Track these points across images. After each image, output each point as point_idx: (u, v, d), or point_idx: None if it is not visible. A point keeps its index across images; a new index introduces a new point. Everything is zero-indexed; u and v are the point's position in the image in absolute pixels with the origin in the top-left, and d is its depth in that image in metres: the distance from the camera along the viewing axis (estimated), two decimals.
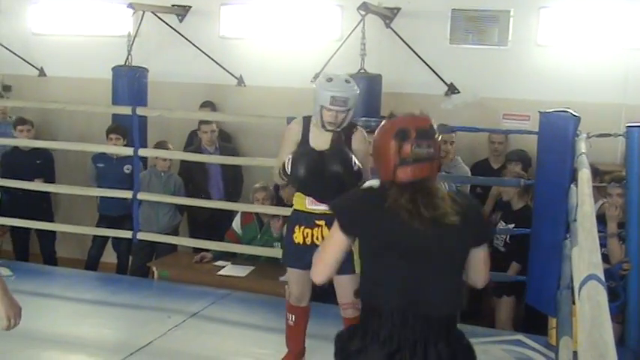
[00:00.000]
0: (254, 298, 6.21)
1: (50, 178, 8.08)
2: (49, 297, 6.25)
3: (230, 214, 7.10)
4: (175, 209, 7.49)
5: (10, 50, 9.13)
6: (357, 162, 4.34)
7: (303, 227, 4.53)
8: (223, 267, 6.69)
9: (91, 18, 9.03)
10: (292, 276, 4.68)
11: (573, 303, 3.94)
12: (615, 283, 5.13)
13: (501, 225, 6.58)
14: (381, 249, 2.89)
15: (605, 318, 1.99)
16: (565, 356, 3.53)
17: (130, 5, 7.96)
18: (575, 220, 3.83)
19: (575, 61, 7.45)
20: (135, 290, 6.45)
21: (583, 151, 4.60)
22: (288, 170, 4.41)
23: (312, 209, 4.50)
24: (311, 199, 4.49)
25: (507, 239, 6.48)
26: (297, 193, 4.60)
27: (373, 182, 3.09)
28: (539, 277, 5.32)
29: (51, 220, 8.14)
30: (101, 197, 7.66)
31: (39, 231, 8.02)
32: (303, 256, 4.30)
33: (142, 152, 7.00)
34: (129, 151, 7.01)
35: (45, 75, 9.26)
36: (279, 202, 6.94)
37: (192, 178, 7.72)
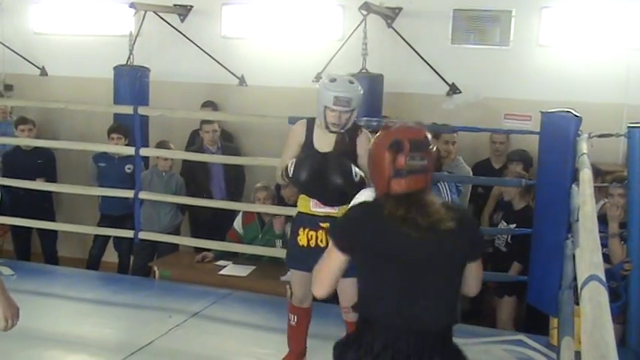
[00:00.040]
0: (255, 298, 6.21)
1: (52, 178, 8.09)
2: (51, 296, 6.25)
3: (232, 214, 7.10)
4: (177, 209, 7.49)
5: (11, 49, 9.14)
6: (358, 171, 4.31)
7: (307, 230, 4.53)
8: (224, 267, 6.69)
9: (93, 17, 9.03)
10: (295, 278, 4.68)
11: (575, 303, 3.95)
12: (616, 283, 5.13)
13: (503, 225, 6.57)
14: (377, 262, 2.88)
15: (606, 318, 1.99)
16: (566, 356, 3.53)
17: (132, 5, 7.96)
18: (576, 221, 3.83)
19: (576, 61, 7.45)
20: (136, 290, 6.45)
21: (584, 151, 4.60)
22: (291, 174, 4.41)
23: (316, 212, 4.49)
24: (315, 201, 4.49)
25: (509, 239, 6.47)
26: (302, 196, 4.59)
27: (367, 194, 3.10)
28: (540, 277, 5.33)
29: (52, 220, 8.15)
30: (102, 197, 7.67)
31: (40, 230, 8.03)
32: (307, 259, 4.30)
33: (143, 152, 6.99)
34: (130, 151, 7.01)
35: (46, 74, 9.27)
36: (281, 201, 6.95)
37: (195, 178, 7.72)
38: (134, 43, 8.08)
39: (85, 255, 8.10)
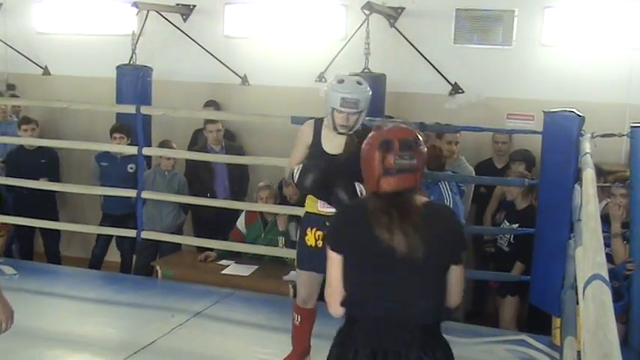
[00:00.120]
0: (257, 298, 6.20)
1: (55, 177, 8.09)
2: (53, 296, 6.25)
3: (235, 213, 7.09)
4: (179, 208, 7.49)
5: (14, 49, 9.15)
6: (362, 189, 4.26)
7: (314, 229, 4.52)
8: (227, 266, 6.69)
9: (96, 17, 9.04)
10: (301, 278, 4.66)
11: (577, 303, 3.94)
12: (619, 283, 5.13)
13: (505, 225, 6.58)
14: (359, 260, 2.94)
15: (609, 318, 1.98)
16: (569, 356, 3.52)
17: (135, 4, 7.96)
18: (579, 220, 3.83)
19: (579, 61, 7.45)
20: (139, 289, 6.45)
21: (587, 150, 4.59)
22: (296, 180, 4.40)
23: (323, 211, 4.48)
24: (323, 202, 4.48)
25: (511, 239, 6.47)
26: (309, 196, 4.58)
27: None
28: (543, 276, 5.33)
29: (56, 220, 8.14)
30: (105, 196, 7.67)
31: (43, 230, 8.03)
32: (314, 259, 4.30)
33: (146, 151, 6.99)
34: (133, 150, 7.01)
35: (49, 74, 9.28)
36: (283, 199, 6.95)
37: (199, 177, 7.73)
38: (137, 42, 8.09)
39: (87, 254, 8.11)
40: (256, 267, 6.64)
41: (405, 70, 7.82)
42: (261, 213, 6.90)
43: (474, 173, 7.08)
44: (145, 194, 6.92)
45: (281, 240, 6.76)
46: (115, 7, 8.79)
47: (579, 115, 5.12)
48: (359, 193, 4.26)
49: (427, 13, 7.83)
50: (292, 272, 6.04)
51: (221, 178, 7.79)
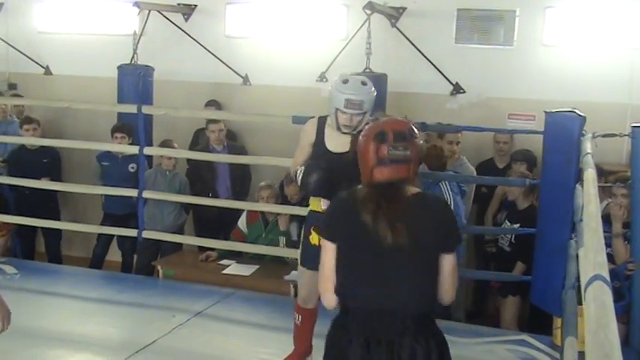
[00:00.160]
0: (258, 297, 6.20)
1: (57, 177, 8.09)
2: (55, 295, 6.25)
3: (237, 213, 7.09)
4: (180, 208, 7.50)
5: (15, 49, 9.16)
6: None
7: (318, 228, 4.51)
8: (228, 266, 6.69)
9: (97, 16, 9.05)
10: (304, 277, 4.65)
11: (578, 303, 3.94)
12: (620, 283, 5.12)
13: (506, 225, 6.57)
14: (350, 249, 3.01)
15: (610, 318, 1.98)
16: (570, 356, 3.52)
17: (136, 4, 7.96)
18: (580, 220, 3.83)
19: (580, 61, 7.44)
20: (140, 289, 6.45)
21: (588, 151, 4.59)
22: (299, 181, 4.39)
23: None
24: (326, 200, 4.47)
25: (512, 239, 6.47)
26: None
27: None
28: (544, 276, 5.32)
29: (57, 219, 8.14)
30: (106, 196, 7.67)
31: (45, 230, 8.03)
32: (317, 258, 4.30)
33: (147, 151, 7.00)
34: (134, 150, 7.01)
35: (51, 73, 9.28)
36: (284, 199, 6.95)
37: (201, 177, 7.73)
38: (138, 42, 8.09)
39: (88, 254, 8.11)
40: (257, 267, 6.64)
41: (407, 70, 7.82)
42: (262, 213, 6.90)
43: (475, 173, 7.08)
44: (146, 194, 6.93)
45: (282, 240, 6.77)
46: (117, 6, 8.79)
47: (580, 115, 5.11)
48: None
49: (428, 13, 7.82)
50: (293, 272, 6.04)
51: (223, 178, 7.79)
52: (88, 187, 7.62)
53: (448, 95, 7.84)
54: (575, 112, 5.18)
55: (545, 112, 5.46)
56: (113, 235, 7.70)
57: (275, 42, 8.37)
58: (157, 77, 8.09)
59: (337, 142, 4.42)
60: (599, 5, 7.36)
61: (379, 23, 7.66)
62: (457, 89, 7.80)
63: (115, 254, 7.95)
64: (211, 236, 7.16)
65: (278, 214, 6.80)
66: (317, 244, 4.48)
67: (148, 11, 8.25)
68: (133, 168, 7.47)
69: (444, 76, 7.78)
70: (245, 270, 6.59)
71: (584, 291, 2.33)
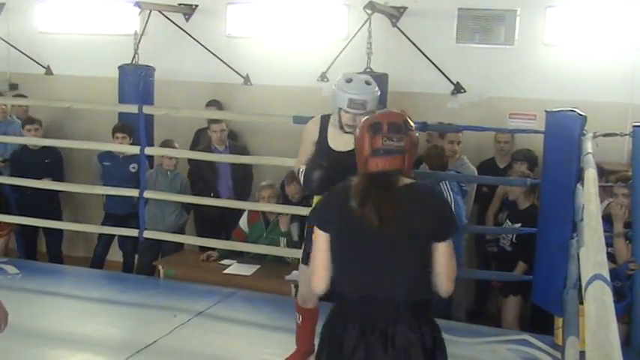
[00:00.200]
0: (259, 297, 6.20)
1: (59, 177, 8.09)
2: (56, 295, 6.25)
3: (238, 213, 7.08)
4: (181, 208, 7.50)
5: (17, 49, 9.16)
6: None
7: None
8: (229, 266, 6.69)
9: (98, 16, 9.05)
10: (305, 275, 4.64)
11: (580, 303, 3.94)
12: (621, 283, 5.12)
13: (507, 224, 6.57)
14: (342, 237, 3.09)
15: (610, 318, 1.98)
16: (571, 356, 3.52)
17: (137, 4, 7.97)
18: (581, 220, 3.83)
19: (581, 61, 7.44)
20: (141, 289, 6.45)
21: (589, 150, 4.59)
22: (302, 182, 4.38)
23: None
24: None
25: (513, 239, 6.46)
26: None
27: None
28: (545, 276, 5.32)
29: (59, 219, 8.14)
30: (107, 196, 7.67)
31: (46, 230, 8.03)
32: None
33: (148, 151, 7.00)
34: (135, 150, 7.01)
35: (52, 73, 9.29)
36: (285, 198, 6.95)
37: (202, 177, 7.73)
38: (139, 42, 8.09)
39: (89, 253, 8.12)
40: (258, 267, 6.64)
41: (407, 69, 7.82)
42: (263, 212, 6.89)
43: (476, 173, 7.08)
44: (147, 194, 6.93)
45: (283, 241, 6.77)
46: (118, 6, 8.80)
47: (581, 115, 5.11)
48: None
49: (429, 13, 7.82)
50: (294, 272, 6.04)
51: (225, 177, 7.78)
52: (89, 187, 7.62)
53: (449, 95, 7.84)
54: (576, 112, 5.17)
55: (546, 111, 5.46)
56: (114, 235, 7.70)
57: (276, 42, 8.37)
58: (158, 77, 8.09)
59: (340, 141, 4.40)
60: (600, 5, 7.36)
61: (380, 23, 7.66)
62: (458, 89, 7.80)
63: (115, 254, 7.95)
64: (213, 236, 7.16)
65: (279, 214, 6.79)
66: None
67: (148, 11, 8.25)
68: (134, 168, 7.47)
69: (445, 76, 7.78)
70: (246, 270, 6.59)
71: (585, 290, 2.33)
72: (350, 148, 4.31)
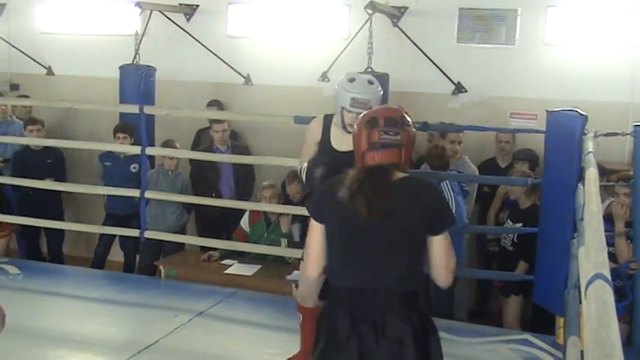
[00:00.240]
0: (261, 297, 6.20)
1: (61, 177, 8.09)
2: (57, 295, 6.25)
3: (240, 213, 7.08)
4: (183, 208, 7.50)
5: (18, 49, 9.16)
6: None
7: None
8: (230, 265, 6.69)
9: (99, 17, 9.05)
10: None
11: (581, 302, 3.94)
12: (623, 282, 5.12)
13: (509, 224, 6.57)
14: (335, 229, 3.15)
15: (611, 317, 1.98)
16: (572, 356, 3.52)
17: (138, 4, 7.96)
18: (582, 219, 3.83)
19: (582, 60, 7.43)
20: (142, 289, 6.45)
21: (590, 150, 4.58)
22: (304, 181, 4.37)
23: None
24: None
25: (515, 238, 6.46)
26: None
27: None
28: (546, 276, 5.32)
29: (61, 220, 8.14)
30: (108, 196, 7.67)
31: (48, 230, 8.03)
32: None
33: (149, 151, 7.00)
34: (136, 150, 7.02)
35: (53, 74, 9.29)
36: (286, 198, 6.95)
37: (204, 177, 7.72)
38: (140, 42, 8.09)
39: (89, 254, 8.11)
40: (259, 267, 6.65)
41: (408, 69, 7.81)
42: (264, 212, 6.89)
43: (477, 173, 7.08)
44: (148, 194, 6.93)
45: (284, 241, 6.76)
46: (119, 7, 8.79)
47: (582, 114, 5.11)
48: None
49: (430, 13, 7.82)
50: (295, 272, 6.04)
51: (227, 178, 7.78)
52: (90, 187, 7.62)
53: (450, 95, 7.84)
54: (577, 111, 5.17)
55: (547, 111, 5.46)
56: (115, 236, 7.70)
57: (277, 42, 8.37)
58: (159, 77, 8.09)
59: (343, 141, 4.38)
60: (601, 4, 7.35)
61: (381, 23, 7.66)
62: (459, 88, 7.80)
63: (116, 254, 7.96)
64: (214, 236, 7.16)
65: (280, 214, 6.79)
66: None
67: (149, 11, 8.25)
68: (135, 168, 7.47)
69: (446, 76, 7.78)
70: (247, 270, 6.59)
71: (585, 290, 2.32)
72: (352, 148, 4.34)
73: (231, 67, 8.40)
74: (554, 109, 5.39)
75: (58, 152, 8.16)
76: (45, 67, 9.26)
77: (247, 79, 8.48)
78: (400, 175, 3.11)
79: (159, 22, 8.45)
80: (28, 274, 6.65)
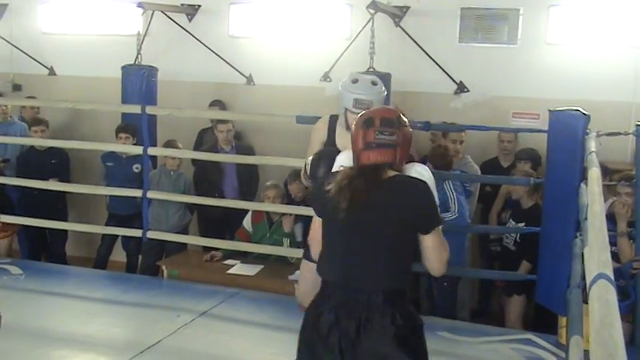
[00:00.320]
0: (263, 297, 6.20)
1: (65, 178, 8.08)
2: (59, 296, 6.25)
3: (243, 213, 7.06)
4: (185, 208, 7.49)
5: (20, 49, 9.17)
6: None
7: None
8: (233, 266, 6.69)
9: (101, 17, 9.06)
10: (307, 269, 4.59)
11: (583, 302, 3.94)
12: (625, 282, 5.11)
13: (511, 224, 6.56)
14: (325, 223, 3.25)
15: (614, 317, 1.98)
16: (575, 355, 3.52)
17: (140, 4, 7.97)
18: (585, 219, 3.82)
19: (584, 60, 7.43)
20: (144, 289, 6.46)
21: (593, 149, 4.58)
22: (308, 173, 4.36)
23: None
24: None
25: (517, 238, 6.46)
26: None
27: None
28: (549, 275, 5.32)
29: (65, 220, 8.13)
30: (111, 196, 7.67)
31: (51, 230, 8.03)
32: None
33: (151, 151, 6.99)
34: (138, 150, 7.01)
35: (55, 74, 9.29)
36: (288, 197, 6.94)
37: (208, 177, 7.72)
38: (142, 42, 8.09)
39: (92, 254, 8.11)
40: (262, 267, 6.65)
41: (410, 69, 7.81)
42: (267, 213, 6.89)
43: (479, 172, 7.07)
44: (150, 194, 6.93)
45: (286, 241, 6.76)
46: (121, 7, 8.80)
47: (585, 114, 5.11)
48: None
49: (432, 12, 7.82)
50: (297, 272, 6.02)
51: (230, 178, 7.77)
52: (92, 187, 7.62)
53: (452, 94, 7.83)
54: (579, 111, 5.17)
55: (550, 110, 5.46)
56: (117, 236, 7.70)
57: (279, 42, 8.37)
58: (161, 77, 8.09)
59: (347, 141, 4.37)
60: (603, 3, 7.35)
61: (383, 22, 7.66)
62: (461, 88, 7.80)
63: (119, 254, 7.96)
64: (216, 236, 7.16)
65: (283, 214, 6.79)
66: None
67: (151, 12, 8.26)
68: (137, 168, 7.47)
69: (448, 75, 7.77)
70: (250, 270, 6.59)
71: (589, 289, 2.32)
72: None
73: (233, 67, 8.40)
74: (557, 109, 5.39)
75: (62, 153, 8.15)
76: (47, 68, 9.26)
77: (249, 79, 8.48)
78: (391, 173, 3.14)
79: (161, 23, 8.45)
80: (30, 274, 6.66)
